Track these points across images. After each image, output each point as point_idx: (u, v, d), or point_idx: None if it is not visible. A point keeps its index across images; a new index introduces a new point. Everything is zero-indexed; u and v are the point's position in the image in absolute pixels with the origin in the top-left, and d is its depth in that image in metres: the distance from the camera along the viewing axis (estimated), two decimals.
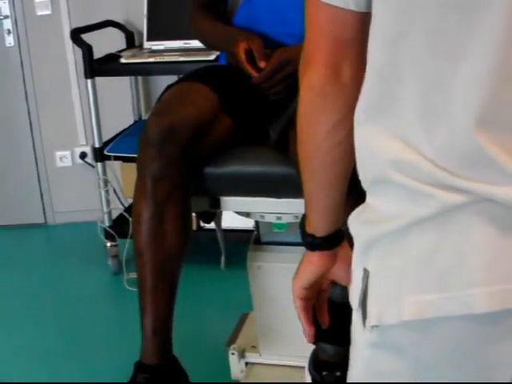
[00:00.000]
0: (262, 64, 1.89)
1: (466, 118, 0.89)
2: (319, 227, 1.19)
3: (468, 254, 0.92)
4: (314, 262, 1.23)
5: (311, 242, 1.21)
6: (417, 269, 0.96)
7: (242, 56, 1.90)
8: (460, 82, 0.88)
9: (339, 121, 1.05)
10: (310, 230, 1.20)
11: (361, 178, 1.03)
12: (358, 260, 1.05)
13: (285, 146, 1.89)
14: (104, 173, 3.31)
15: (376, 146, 0.97)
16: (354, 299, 1.07)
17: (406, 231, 0.95)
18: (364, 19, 0.98)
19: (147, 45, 3.43)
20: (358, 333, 1.08)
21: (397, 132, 0.94)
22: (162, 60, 3.17)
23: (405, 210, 0.95)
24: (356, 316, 1.08)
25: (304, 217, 1.22)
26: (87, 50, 3.14)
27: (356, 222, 1.05)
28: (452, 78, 0.89)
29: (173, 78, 2.23)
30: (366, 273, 1.02)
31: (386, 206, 0.98)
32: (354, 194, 1.09)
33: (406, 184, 0.94)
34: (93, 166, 3.51)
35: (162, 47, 3.37)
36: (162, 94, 2.06)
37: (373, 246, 1.00)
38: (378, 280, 1.01)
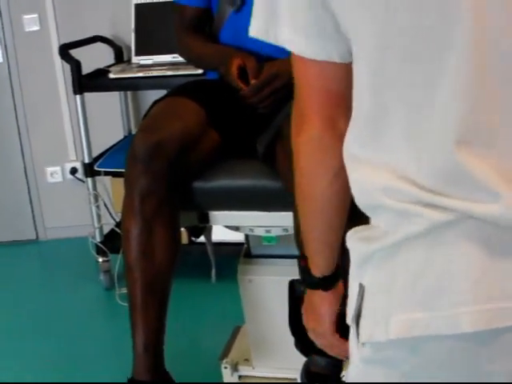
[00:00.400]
0: (254, 82, 1.90)
1: (446, 138, 0.90)
2: (328, 266, 1.22)
3: (454, 273, 0.93)
4: (332, 298, 1.26)
5: (325, 284, 1.24)
6: (405, 286, 0.96)
7: (235, 71, 1.91)
8: (438, 106, 0.90)
9: (337, 172, 1.07)
10: (319, 273, 1.23)
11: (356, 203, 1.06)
12: (355, 275, 1.06)
13: (272, 159, 1.90)
14: (94, 188, 3.31)
15: (365, 179, 0.99)
16: (349, 314, 1.07)
17: (396, 248, 0.97)
18: (351, 69, 1.00)
19: (135, 59, 3.44)
20: (353, 347, 1.09)
21: (384, 161, 0.96)
22: (150, 75, 3.18)
23: (395, 229, 0.96)
24: (351, 330, 1.08)
25: (304, 267, 1.25)
26: (76, 65, 3.14)
27: (352, 239, 1.06)
28: (431, 103, 0.91)
29: (162, 93, 2.24)
30: (362, 288, 1.03)
31: (378, 225, 1.00)
32: (354, 220, 1.11)
33: (395, 207, 0.95)
34: (83, 182, 3.50)
35: (150, 62, 3.37)
36: (149, 109, 2.07)
37: (367, 261, 1.01)
38: (370, 296, 1.02)
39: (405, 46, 0.91)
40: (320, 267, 1.23)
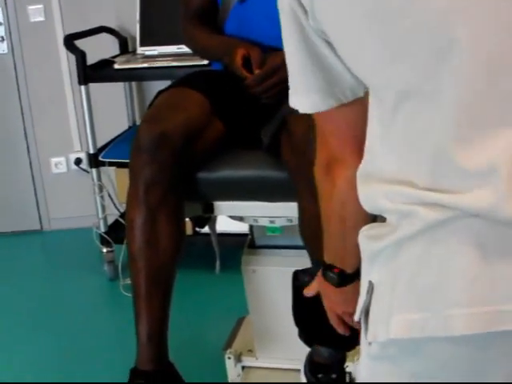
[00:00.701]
0: (258, 71, 1.90)
1: (444, 136, 0.91)
2: (359, 260, 1.23)
3: (448, 274, 0.93)
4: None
5: (358, 274, 1.25)
6: (404, 286, 0.97)
7: (239, 60, 1.91)
8: (438, 105, 0.91)
9: None
10: (352, 270, 1.27)
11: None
12: (365, 272, 1.07)
13: (277, 149, 1.90)
14: (99, 179, 3.31)
15: (370, 187, 1.03)
16: (357, 310, 1.09)
17: (398, 248, 0.97)
18: (361, 103, 1.05)
19: (140, 50, 3.44)
20: (362, 342, 1.10)
21: (389, 168, 0.99)
22: (155, 65, 3.18)
23: (397, 229, 0.97)
24: (362, 326, 1.09)
25: (340, 273, 1.30)
26: (81, 56, 3.14)
27: (362, 236, 1.07)
28: (432, 104, 0.92)
29: (166, 83, 2.24)
30: (371, 285, 1.03)
31: (388, 223, 1.02)
32: None
33: (396, 209, 0.97)
34: (88, 172, 3.51)
35: (155, 52, 3.37)
36: (154, 100, 2.07)
37: (375, 259, 1.03)
38: (377, 294, 1.03)
39: (407, 50, 0.92)
40: (352, 264, 1.26)
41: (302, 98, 1.11)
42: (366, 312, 1.05)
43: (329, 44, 1.03)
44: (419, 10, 0.89)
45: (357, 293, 1.26)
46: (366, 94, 1.06)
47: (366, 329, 1.05)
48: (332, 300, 1.37)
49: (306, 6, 1.01)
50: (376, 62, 0.96)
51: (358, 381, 1.17)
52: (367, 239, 1.05)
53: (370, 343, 1.05)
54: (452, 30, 0.88)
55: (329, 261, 1.31)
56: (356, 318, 1.09)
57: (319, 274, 1.39)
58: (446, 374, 0.99)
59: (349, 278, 1.29)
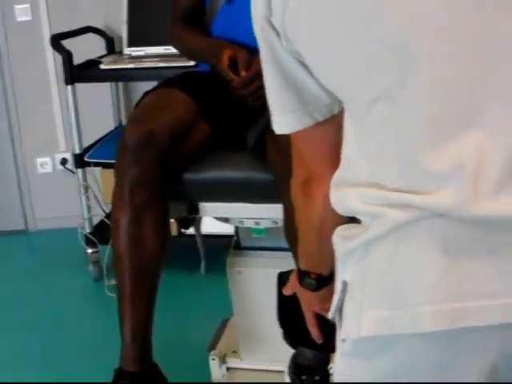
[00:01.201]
0: (244, 74, 1.90)
1: (410, 140, 0.94)
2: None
3: (418, 272, 0.95)
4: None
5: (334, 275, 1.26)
6: (373, 285, 0.99)
7: (225, 61, 1.92)
8: (403, 110, 0.94)
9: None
10: (328, 271, 1.28)
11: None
12: (339, 271, 1.08)
13: (262, 151, 1.90)
14: (84, 179, 3.30)
15: (342, 191, 1.04)
16: (332, 309, 1.10)
17: (366, 248, 0.99)
18: (337, 119, 1.07)
19: (127, 51, 3.43)
20: (337, 340, 1.11)
21: (361, 173, 1.01)
22: (141, 66, 3.18)
23: (367, 230, 0.99)
24: (336, 323, 1.11)
25: (318, 278, 1.32)
26: (67, 56, 3.13)
27: (336, 236, 1.09)
28: (394, 112, 0.95)
29: (153, 84, 2.24)
30: (345, 285, 1.05)
31: (358, 226, 1.03)
32: None
33: (366, 211, 0.99)
34: (73, 172, 3.50)
35: (142, 53, 3.37)
36: (140, 100, 2.07)
37: (347, 259, 1.04)
38: (349, 293, 1.04)
39: (375, 63, 0.94)
40: (328, 267, 1.26)
41: (278, 118, 1.12)
42: (340, 310, 1.07)
43: (302, 65, 1.04)
44: (382, 26, 0.92)
45: (333, 290, 1.28)
46: (341, 110, 1.08)
47: (340, 326, 1.07)
48: (310, 301, 1.39)
49: (277, 28, 1.02)
50: (348, 76, 0.98)
51: (334, 377, 1.18)
52: (340, 239, 1.06)
53: (343, 340, 1.06)
54: (413, 44, 0.90)
55: (304, 267, 1.33)
56: (330, 315, 1.11)
57: (294, 278, 1.41)
58: (418, 369, 1.00)
59: (326, 280, 1.30)
